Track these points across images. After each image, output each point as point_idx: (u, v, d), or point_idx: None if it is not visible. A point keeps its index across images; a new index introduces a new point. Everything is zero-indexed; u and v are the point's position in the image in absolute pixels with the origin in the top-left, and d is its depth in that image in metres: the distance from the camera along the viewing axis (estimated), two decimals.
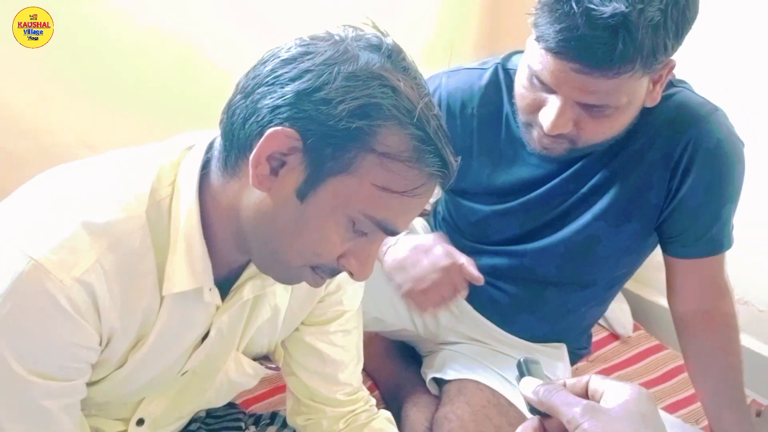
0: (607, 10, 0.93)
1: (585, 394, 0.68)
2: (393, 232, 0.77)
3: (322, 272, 0.80)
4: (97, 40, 1.48)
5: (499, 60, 1.25)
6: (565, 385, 0.69)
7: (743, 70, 1.59)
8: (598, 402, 0.66)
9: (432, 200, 1.46)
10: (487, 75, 1.25)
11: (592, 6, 0.93)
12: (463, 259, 1.19)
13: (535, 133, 1.11)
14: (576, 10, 0.94)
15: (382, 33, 0.76)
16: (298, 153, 0.71)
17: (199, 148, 0.82)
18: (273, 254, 0.78)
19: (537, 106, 1.08)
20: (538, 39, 1.02)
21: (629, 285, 1.82)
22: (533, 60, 1.05)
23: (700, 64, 1.62)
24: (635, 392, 0.65)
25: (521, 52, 1.16)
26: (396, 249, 1.23)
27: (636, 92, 1.04)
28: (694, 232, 1.18)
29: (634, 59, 0.97)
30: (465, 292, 1.21)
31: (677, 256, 1.22)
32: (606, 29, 0.94)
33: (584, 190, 1.20)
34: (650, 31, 0.95)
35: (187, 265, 0.79)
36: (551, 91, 1.05)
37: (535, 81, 1.06)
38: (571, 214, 1.23)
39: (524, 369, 0.74)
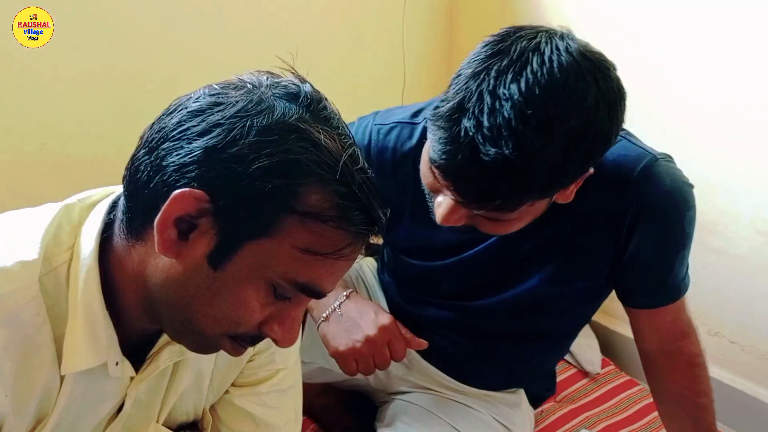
0: (491, 152, 0.85)
1: None
2: (319, 295, 0.73)
3: (242, 341, 0.76)
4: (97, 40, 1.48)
5: (430, 113, 1.19)
6: None
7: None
8: None
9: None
10: (418, 132, 1.17)
11: (478, 141, 0.85)
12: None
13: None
14: (462, 139, 0.87)
15: (300, 79, 0.72)
16: (208, 216, 0.67)
17: (101, 208, 0.77)
18: (185, 323, 0.73)
19: (435, 188, 1.00)
20: (429, 139, 0.94)
21: (597, 317, 1.81)
22: (428, 149, 0.97)
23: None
24: None
25: None
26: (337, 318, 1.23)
27: (533, 208, 0.98)
28: (648, 284, 1.15)
29: (520, 196, 0.91)
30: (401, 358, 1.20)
31: (634, 307, 1.20)
32: (488, 170, 0.86)
33: (525, 250, 1.15)
34: (545, 172, 0.88)
35: (88, 338, 0.73)
36: None
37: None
38: (513, 274, 1.18)
39: None
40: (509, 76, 0.86)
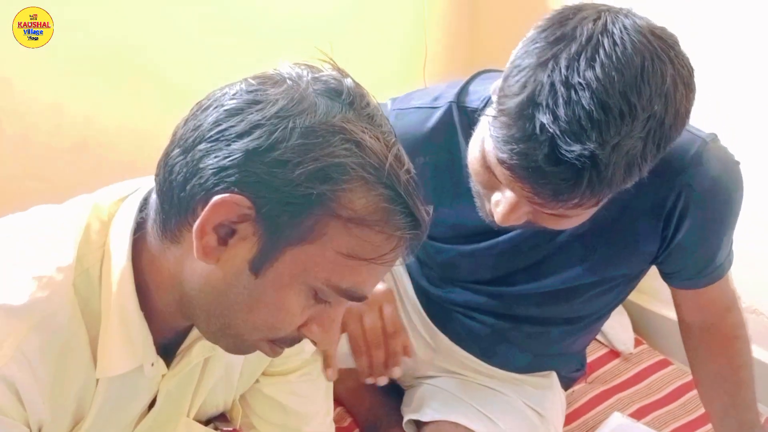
0: (575, 149, 0.82)
1: None
2: (360, 299, 0.75)
3: (280, 343, 0.78)
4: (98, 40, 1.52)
5: (452, 98, 1.18)
6: None
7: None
8: None
9: None
10: (436, 116, 1.18)
11: (559, 137, 0.83)
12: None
13: (486, 206, 1.04)
14: (539, 136, 0.84)
15: (341, 72, 0.73)
16: (250, 221, 0.68)
17: (130, 204, 0.79)
18: (223, 328, 0.76)
19: (490, 185, 0.99)
20: (492, 136, 0.91)
21: (630, 295, 1.82)
22: (488, 145, 0.94)
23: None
24: None
25: (486, 73, 1.13)
26: None
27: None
28: (693, 266, 1.17)
29: (600, 193, 0.89)
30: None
31: (678, 288, 1.23)
32: (570, 168, 0.84)
33: (561, 238, 1.16)
34: (623, 165, 0.86)
35: (123, 341, 0.76)
36: None
37: (489, 165, 0.97)
38: (548, 261, 1.20)
39: None
40: (582, 63, 0.84)
